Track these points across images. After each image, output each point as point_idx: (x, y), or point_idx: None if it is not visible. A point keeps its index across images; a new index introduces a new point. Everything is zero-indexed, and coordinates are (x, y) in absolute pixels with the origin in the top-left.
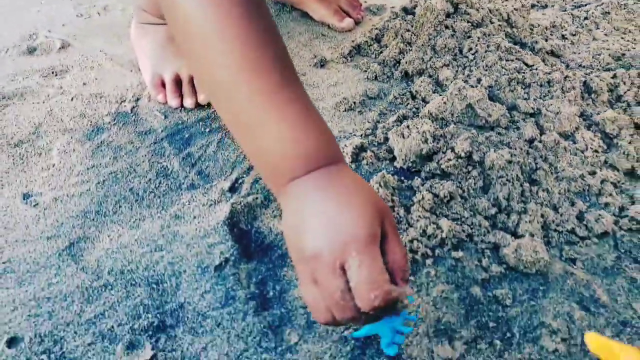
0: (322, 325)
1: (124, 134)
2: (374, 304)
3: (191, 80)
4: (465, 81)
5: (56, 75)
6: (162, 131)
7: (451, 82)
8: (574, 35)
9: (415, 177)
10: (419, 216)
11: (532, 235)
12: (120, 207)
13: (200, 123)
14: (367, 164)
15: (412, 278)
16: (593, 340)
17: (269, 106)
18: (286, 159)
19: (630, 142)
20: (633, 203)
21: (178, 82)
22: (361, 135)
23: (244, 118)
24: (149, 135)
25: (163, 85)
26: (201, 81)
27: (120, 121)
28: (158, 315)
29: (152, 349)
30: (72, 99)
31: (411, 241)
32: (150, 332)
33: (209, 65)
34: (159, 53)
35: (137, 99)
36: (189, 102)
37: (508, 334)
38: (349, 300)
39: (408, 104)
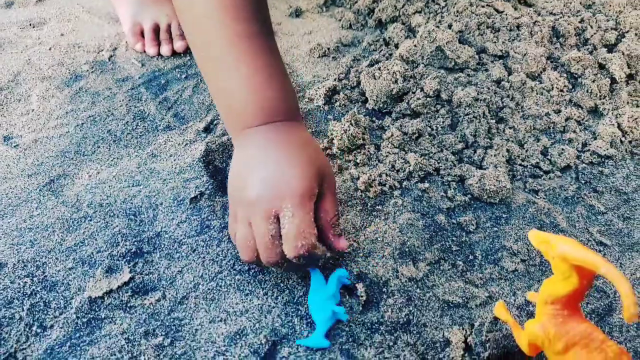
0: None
1: (101, 81)
2: (299, 251)
3: (168, 29)
4: (437, 27)
5: (34, 27)
6: (139, 78)
7: (423, 27)
8: None
9: (387, 117)
10: (388, 152)
11: (495, 167)
12: (98, 147)
13: (177, 70)
14: (339, 106)
15: (380, 207)
16: (534, 236)
17: (244, 50)
18: (248, 105)
19: (593, 81)
20: (595, 138)
21: (156, 30)
22: (335, 79)
23: (219, 58)
24: (126, 82)
25: (142, 34)
26: (183, 21)
27: (98, 69)
28: (136, 243)
29: (130, 272)
30: (50, 49)
31: (380, 175)
32: (128, 258)
33: (192, 4)
34: (138, 2)
35: (115, 49)
36: (165, 50)
37: (470, 257)
38: (277, 246)
39: (381, 50)
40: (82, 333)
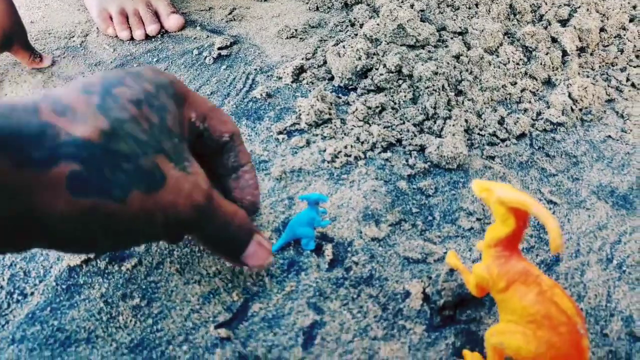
0: None
1: (73, 65)
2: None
3: (137, 13)
4: (400, 6)
5: None
6: (111, 62)
7: (385, 7)
8: None
9: (352, 93)
10: (353, 125)
11: (453, 135)
12: None
13: (148, 54)
14: (307, 84)
15: (345, 176)
16: (477, 184)
17: None
18: None
19: (547, 54)
20: (548, 107)
21: (124, 14)
22: (302, 58)
23: None
24: (98, 66)
25: (111, 18)
26: None
27: (69, 54)
28: None
29: None
30: None
31: (345, 147)
32: None
33: None
34: None
35: (86, 35)
36: (138, 34)
37: (430, 217)
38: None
39: (347, 30)
40: (62, 298)
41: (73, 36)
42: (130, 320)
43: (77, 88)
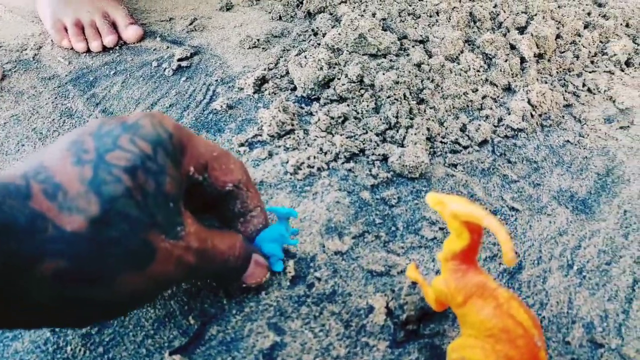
0: None
1: (25, 79)
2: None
3: (94, 24)
4: (362, 15)
5: None
6: (66, 76)
7: (346, 16)
8: None
9: (314, 103)
10: (316, 136)
11: (415, 144)
12: (22, 145)
13: (105, 66)
14: (269, 94)
15: (308, 188)
16: (431, 198)
17: None
18: None
19: (506, 61)
20: (509, 114)
21: (80, 26)
22: (264, 69)
23: None
24: (52, 80)
25: (66, 30)
26: None
27: (21, 68)
28: None
29: None
30: None
31: (308, 158)
32: None
33: None
34: None
35: (40, 47)
36: (95, 45)
37: (393, 228)
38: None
39: (310, 40)
40: (4, 330)
41: (25, 49)
42: (80, 350)
43: (69, 155)
